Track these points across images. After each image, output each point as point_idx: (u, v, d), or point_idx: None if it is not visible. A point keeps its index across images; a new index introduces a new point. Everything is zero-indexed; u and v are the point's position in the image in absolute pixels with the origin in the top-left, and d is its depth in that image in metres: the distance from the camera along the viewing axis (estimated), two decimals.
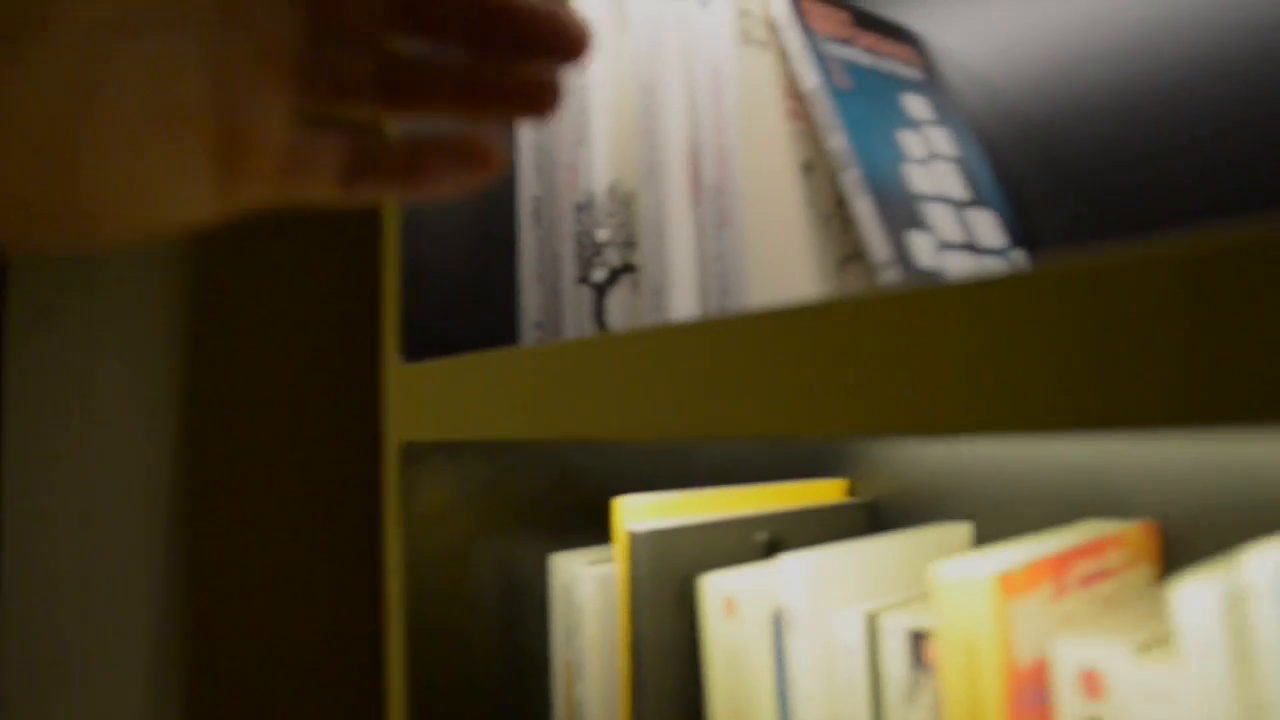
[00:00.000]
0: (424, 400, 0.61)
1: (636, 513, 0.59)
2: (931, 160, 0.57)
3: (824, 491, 0.67)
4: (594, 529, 0.74)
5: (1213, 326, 0.22)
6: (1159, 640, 0.40)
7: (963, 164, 0.59)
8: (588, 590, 0.63)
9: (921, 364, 0.29)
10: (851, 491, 0.70)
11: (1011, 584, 0.40)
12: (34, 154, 0.21)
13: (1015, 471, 0.62)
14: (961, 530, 0.61)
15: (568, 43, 0.28)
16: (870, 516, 0.69)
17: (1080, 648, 0.40)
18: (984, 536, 0.63)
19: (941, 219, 0.54)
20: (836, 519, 0.66)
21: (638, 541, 0.55)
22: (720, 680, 0.53)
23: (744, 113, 0.55)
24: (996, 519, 0.62)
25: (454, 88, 0.28)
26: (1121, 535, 0.50)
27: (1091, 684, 0.40)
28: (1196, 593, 0.34)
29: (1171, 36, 0.58)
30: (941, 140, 0.59)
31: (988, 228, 0.57)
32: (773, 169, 0.56)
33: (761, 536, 0.61)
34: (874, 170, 0.52)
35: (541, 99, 0.30)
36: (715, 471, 0.80)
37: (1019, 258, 0.58)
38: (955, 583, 0.41)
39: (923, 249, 0.51)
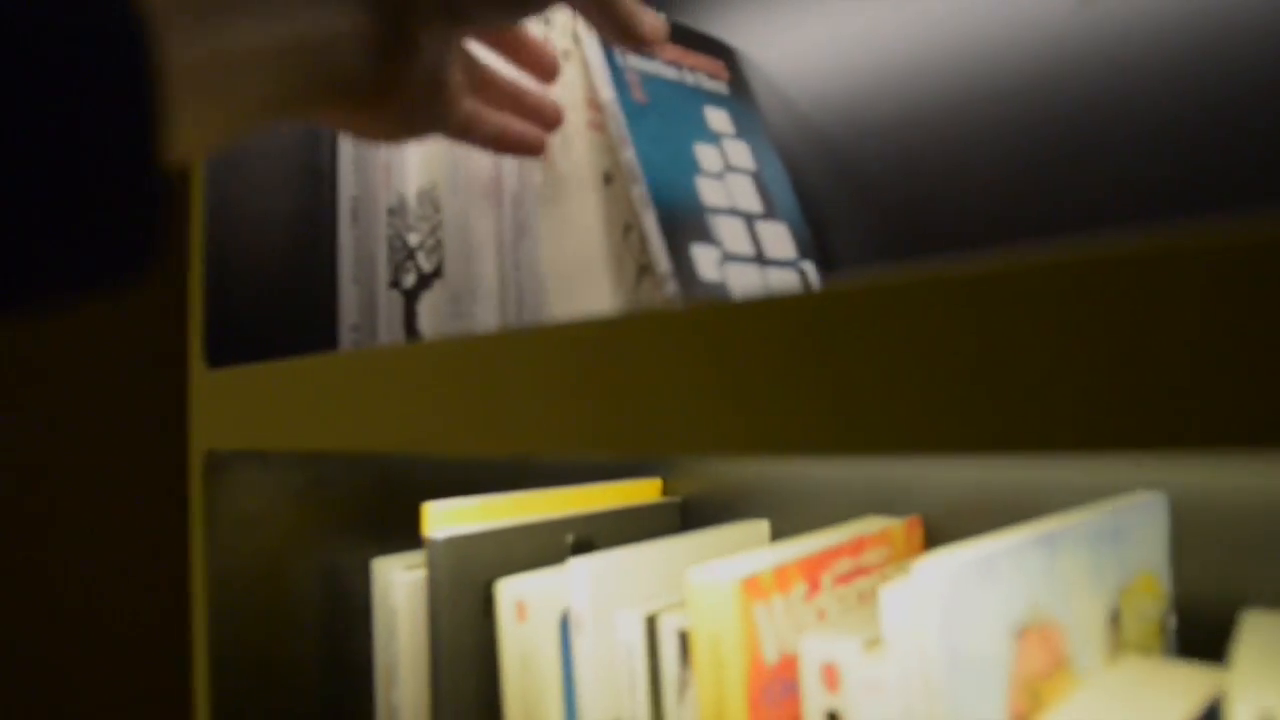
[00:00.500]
0: (228, 408, 0.60)
1: (443, 518, 0.59)
2: (727, 173, 0.59)
3: (638, 492, 0.69)
4: (418, 533, 0.74)
5: (1002, 348, 0.23)
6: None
7: (759, 177, 0.61)
8: (401, 596, 0.63)
9: (705, 381, 0.30)
10: (665, 491, 0.72)
11: (756, 587, 0.42)
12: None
13: (814, 470, 0.65)
14: (761, 527, 0.63)
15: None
16: (682, 515, 0.71)
17: (821, 643, 0.42)
18: (780, 533, 0.65)
19: (730, 232, 0.56)
20: (649, 519, 0.67)
21: (436, 548, 0.56)
22: (513, 682, 0.54)
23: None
24: (795, 516, 0.65)
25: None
26: (884, 533, 0.53)
27: (830, 677, 0.42)
28: (896, 592, 0.36)
29: (975, 58, 0.62)
30: (741, 153, 0.61)
31: (780, 240, 0.59)
32: (574, 179, 0.57)
33: (570, 539, 0.63)
34: (662, 183, 0.54)
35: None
36: (539, 473, 0.81)
37: (810, 270, 0.60)
38: (702, 587, 0.42)
39: (707, 262, 0.53)
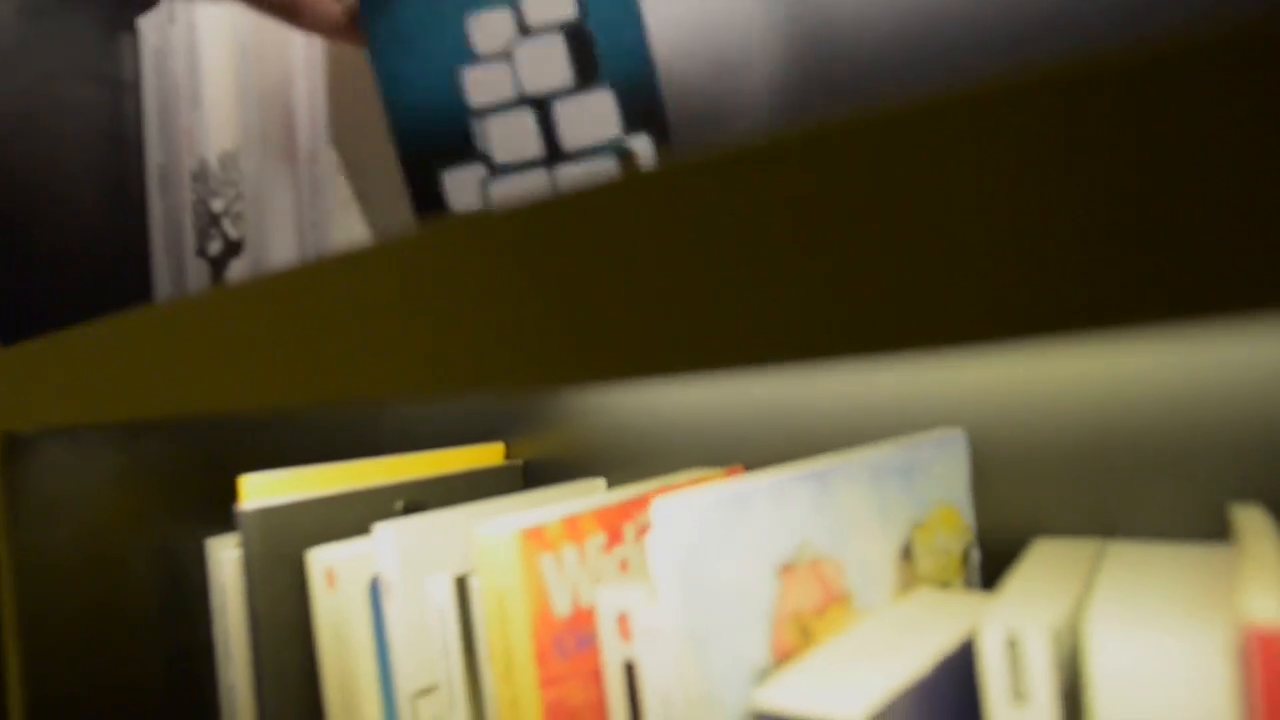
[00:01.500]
0: (26, 385, 0.57)
1: (260, 489, 0.57)
2: (521, 42, 0.47)
3: (479, 456, 0.68)
4: None
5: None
6: None
7: (580, 29, 0.49)
8: (227, 572, 0.61)
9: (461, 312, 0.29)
10: (508, 455, 0.71)
11: (540, 539, 0.42)
12: None
13: (649, 425, 0.64)
14: (597, 484, 0.62)
15: None
16: (525, 478, 0.70)
17: (613, 594, 0.42)
18: (615, 487, 0.65)
19: (509, 133, 0.48)
20: (490, 482, 0.66)
21: (248, 519, 0.54)
22: (329, 652, 0.53)
23: (335, 72, 0.53)
24: (629, 471, 0.64)
25: None
26: (696, 481, 0.52)
27: (624, 627, 0.42)
28: (655, 533, 0.35)
29: None
30: (551, 4, 0.52)
31: (598, 116, 0.51)
32: (363, 132, 0.55)
33: (399, 505, 0.61)
34: (408, 104, 0.47)
35: None
36: (383, 440, 0.79)
37: (644, 146, 0.53)
38: (485, 540, 0.41)
39: (463, 187, 0.47)
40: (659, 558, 0.34)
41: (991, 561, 0.50)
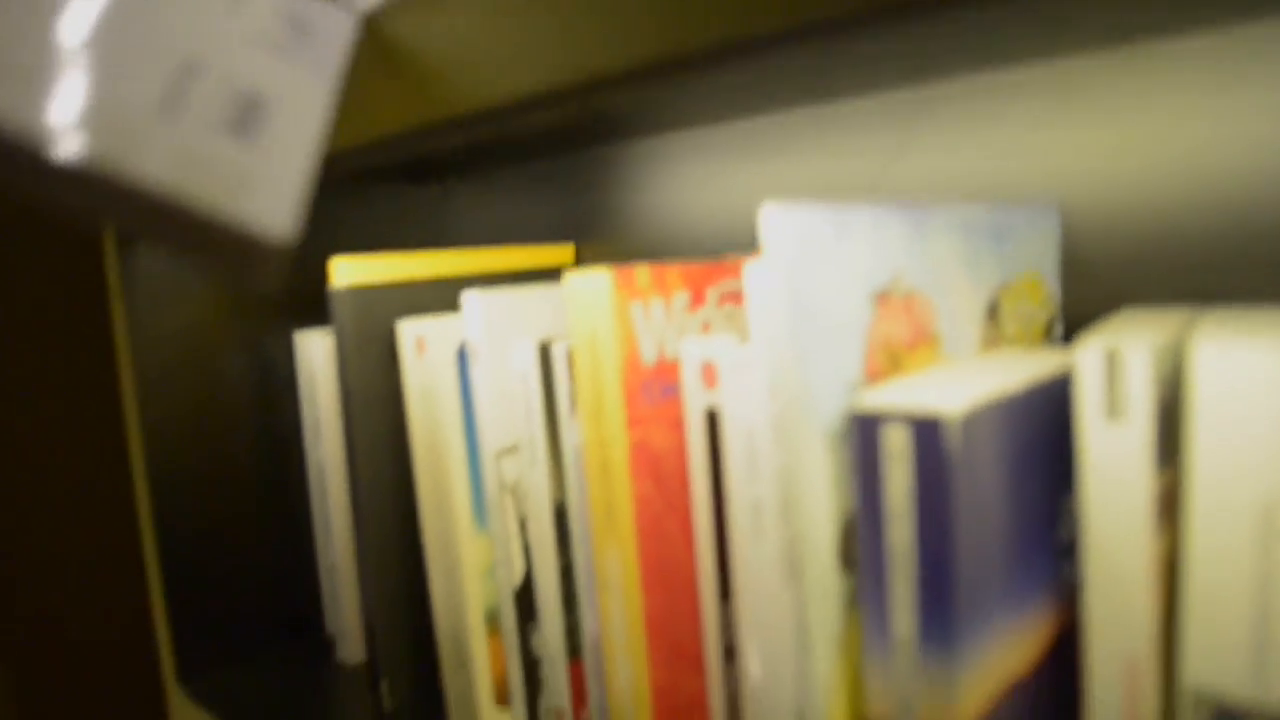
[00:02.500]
0: None
1: (349, 272, 0.59)
2: None
3: (553, 255, 0.68)
4: None
5: None
6: None
7: None
8: (318, 356, 0.63)
9: None
10: (579, 258, 0.71)
11: (630, 285, 0.42)
12: None
13: (716, 228, 0.64)
14: None
15: None
16: None
17: (699, 345, 0.42)
18: None
19: None
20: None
21: (339, 298, 0.55)
22: (417, 415, 0.55)
23: None
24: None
25: None
26: None
27: (708, 375, 0.43)
28: (754, 262, 0.36)
29: None
30: None
31: None
32: None
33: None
34: None
35: None
36: (457, 237, 0.81)
37: None
38: (577, 285, 0.42)
39: None
40: (763, 277, 0.34)
41: (1074, 338, 0.50)
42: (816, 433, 0.33)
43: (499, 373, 0.51)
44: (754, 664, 0.41)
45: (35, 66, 0.24)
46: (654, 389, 0.43)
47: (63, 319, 1.07)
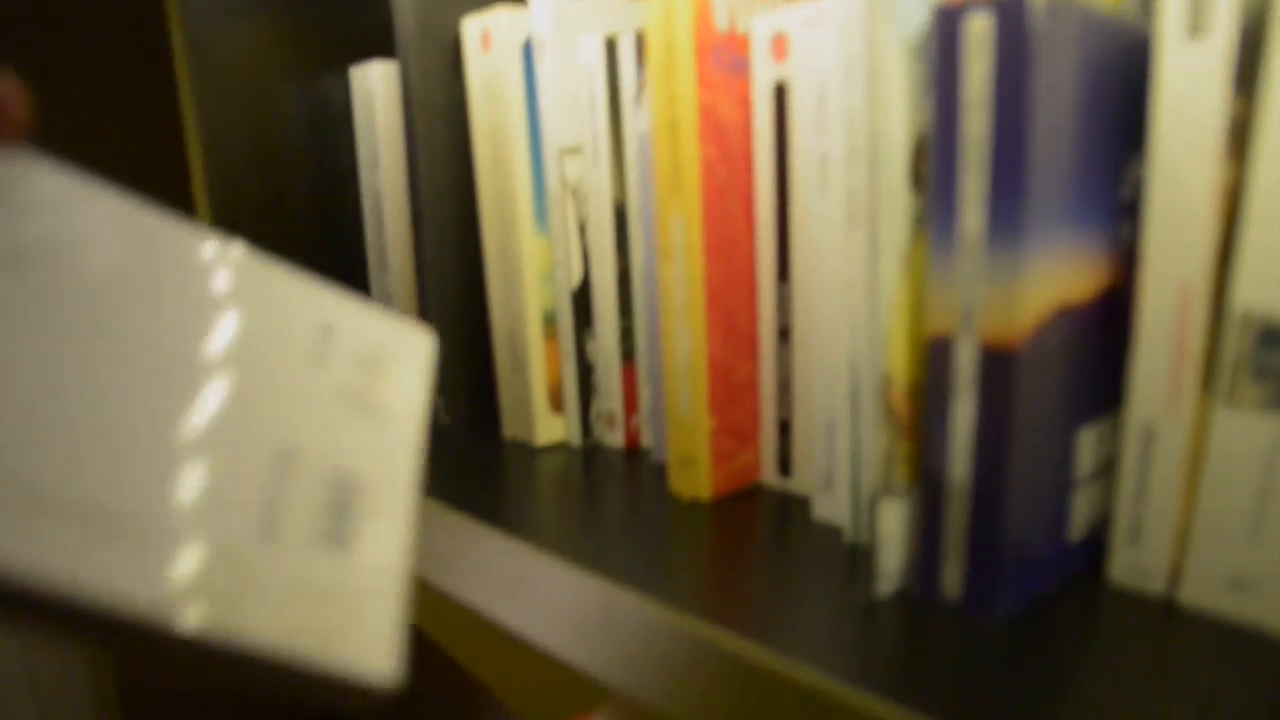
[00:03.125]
0: None
1: None
2: None
3: None
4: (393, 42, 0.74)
5: None
6: None
7: None
8: (378, 87, 0.63)
9: None
10: None
11: None
12: None
13: None
14: None
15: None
16: None
17: (770, 19, 0.42)
18: None
19: None
20: None
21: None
22: (480, 111, 0.55)
23: None
24: None
25: None
26: None
27: (779, 47, 0.43)
28: None
29: None
30: None
31: None
32: None
33: None
34: None
35: None
36: None
37: None
38: None
39: None
40: None
41: None
42: (895, 41, 0.33)
43: (565, 68, 0.52)
44: (812, 323, 0.43)
45: (127, 513, 0.22)
46: (723, 56, 0.43)
47: (124, 56, 1.08)
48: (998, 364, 0.32)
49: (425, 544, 0.52)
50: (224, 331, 0.27)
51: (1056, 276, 0.33)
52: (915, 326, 0.35)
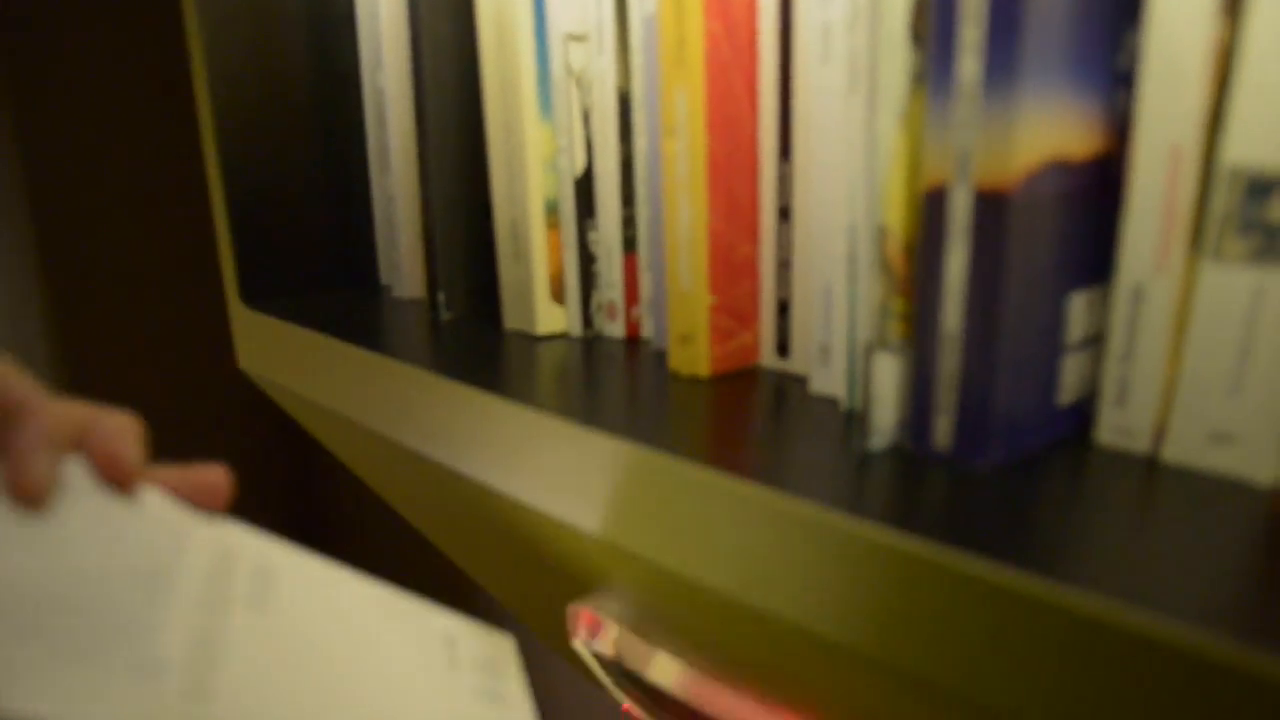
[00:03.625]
0: None
1: None
2: None
3: None
4: None
5: None
6: None
7: None
8: None
9: None
10: None
11: None
12: None
13: None
14: None
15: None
16: None
17: None
18: None
19: None
20: None
21: None
22: (489, 43, 0.56)
23: None
24: None
25: None
26: None
27: None
28: None
29: None
30: None
31: None
32: None
33: None
34: None
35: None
36: None
37: None
38: None
39: None
40: None
41: None
42: None
43: None
44: (813, 199, 0.43)
45: None
46: None
47: None
48: (991, 209, 0.33)
49: (428, 419, 0.54)
50: (382, 655, 0.32)
51: (1051, 128, 0.33)
52: (912, 182, 0.36)
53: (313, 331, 0.64)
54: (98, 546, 0.30)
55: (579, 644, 0.60)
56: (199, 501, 0.34)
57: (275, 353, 0.71)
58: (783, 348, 0.48)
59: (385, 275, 0.78)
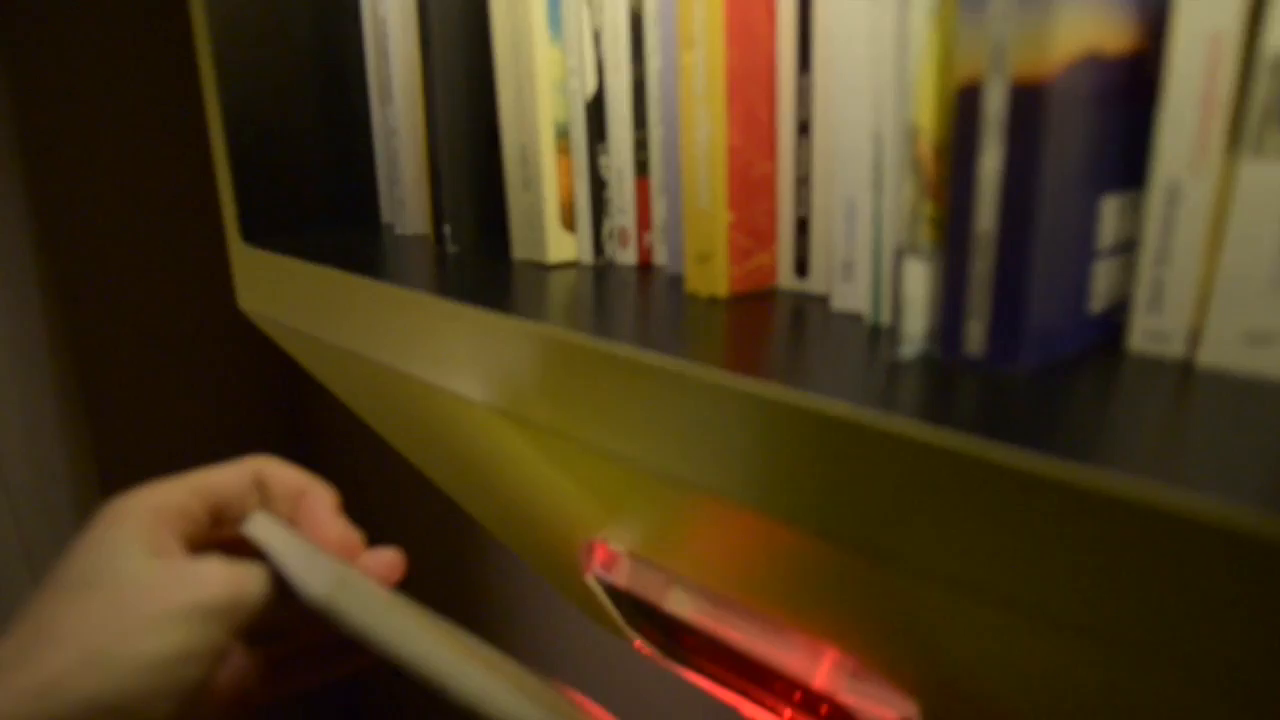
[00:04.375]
0: None
1: None
2: None
3: None
4: None
5: None
6: None
7: None
8: None
9: None
10: None
11: None
12: None
13: None
14: None
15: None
16: None
17: None
18: None
19: None
20: None
21: None
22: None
23: None
24: None
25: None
26: None
27: None
28: None
29: None
30: None
31: None
32: None
33: None
34: None
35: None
36: None
37: None
38: None
39: None
40: None
41: None
42: None
43: None
44: (834, 112, 0.42)
45: None
46: None
47: None
48: (1028, 103, 0.32)
49: (438, 347, 0.53)
50: None
51: (1088, 19, 0.32)
52: (944, 79, 0.35)
53: (318, 265, 0.63)
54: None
55: (591, 578, 0.60)
56: (382, 580, 0.45)
57: (277, 290, 0.70)
58: (801, 267, 0.47)
59: (387, 213, 0.77)
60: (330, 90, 0.77)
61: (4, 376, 1.18)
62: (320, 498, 0.45)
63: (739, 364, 0.37)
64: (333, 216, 0.79)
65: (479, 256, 0.63)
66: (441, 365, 0.53)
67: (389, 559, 0.45)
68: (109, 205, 1.26)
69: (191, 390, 1.40)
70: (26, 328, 1.20)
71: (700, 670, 0.57)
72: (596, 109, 0.54)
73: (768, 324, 0.43)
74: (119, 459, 1.33)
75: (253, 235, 0.75)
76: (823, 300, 0.46)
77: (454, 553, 1.33)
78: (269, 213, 0.75)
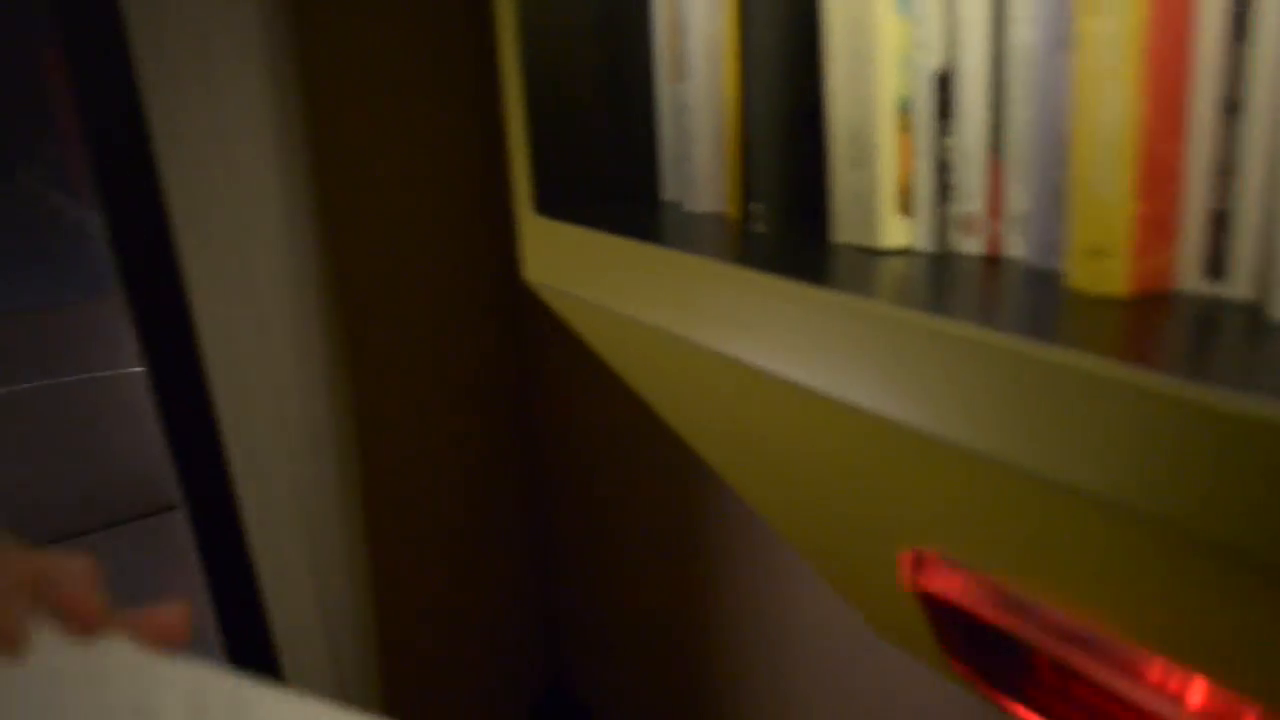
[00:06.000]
0: None
1: None
2: None
3: None
4: None
5: None
6: None
7: None
8: None
9: None
10: None
11: None
12: None
13: None
14: None
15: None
16: None
17: None
18: None
19: None
20: None
21: None
22: None
23: None
24: None
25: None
26: None
27: None
28: None
29: None
30: None
31: None
32: None
33: None
34: None
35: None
36: None
37: None
38: None
39: None
40: None
41: None
42: None
43: None
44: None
45: None
46: None
47: None
48: None
49: (756, 325, 0.49)
50: None
51: None
52: None
53: (622, 238, 0.61)
54: (77, 692, 0.33)
55: (909, 592, 0.56)
56: (160, 641, 0.37)
57: (571, 262, 0.69)
58: (1215, 268, 0.41)
59: (672, 189, 0.74)
60: (609, 65, 0.75)
61: (287, 384, 1.22)
62: (66, 572, 0.38)
63: (1192, 371, 0.32)
64: (611, 192, 0.77)
65: (788, 237, 0.59)
66: (763, 347, 0.50)
67: (167, 618, 0.38)
68: (385, 184, 1.27)
69: (449, 395, 1.41)
70: (307, 337, 1.23)
71: (1036, 706, 0.52)
72: (944, 85, 0.49)
73: (1178, 337, 0.37)
74: (387, 468, 1.34)
75: (545, 208, 0.74)
76: (1247, 308, 0.40)
77: (686, 547, 1.31)
78: (560, 185, 0.74)
